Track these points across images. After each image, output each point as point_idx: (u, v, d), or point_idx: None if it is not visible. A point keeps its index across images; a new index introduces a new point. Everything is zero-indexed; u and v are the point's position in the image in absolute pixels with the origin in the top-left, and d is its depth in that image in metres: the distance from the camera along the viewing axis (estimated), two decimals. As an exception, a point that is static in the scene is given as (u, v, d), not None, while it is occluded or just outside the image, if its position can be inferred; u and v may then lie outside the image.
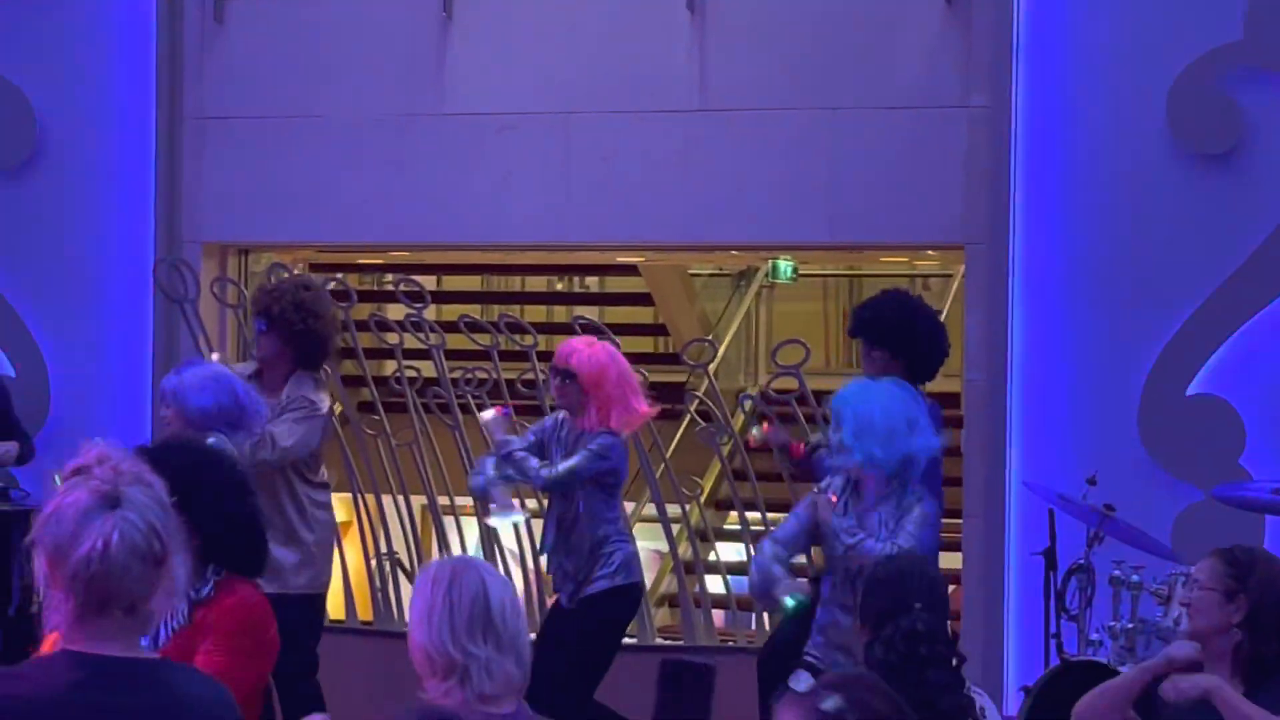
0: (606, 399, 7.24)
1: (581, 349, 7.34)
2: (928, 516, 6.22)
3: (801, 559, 6.70)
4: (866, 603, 4.98)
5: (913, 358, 7.06)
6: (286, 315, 7.44)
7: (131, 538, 3.26)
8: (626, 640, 8.80)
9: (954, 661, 4.85)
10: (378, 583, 9.00)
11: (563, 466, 7.25)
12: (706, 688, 7.61)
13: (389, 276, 11.58)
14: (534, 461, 7.29)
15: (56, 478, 3.33)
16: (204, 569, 4.78)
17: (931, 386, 12.67)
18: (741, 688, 6.76)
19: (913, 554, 5.33)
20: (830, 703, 3.26)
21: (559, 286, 14.65)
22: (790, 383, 8.51)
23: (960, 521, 8.35)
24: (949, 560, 10.55)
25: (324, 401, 7.49)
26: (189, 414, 6.74)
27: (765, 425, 7.53)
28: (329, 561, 7.60)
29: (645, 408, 7.42)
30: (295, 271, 9.22)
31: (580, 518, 7.32)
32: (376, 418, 9.14)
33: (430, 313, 9.16)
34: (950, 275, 12.02)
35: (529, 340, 8.85)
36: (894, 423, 6.24)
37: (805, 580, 6.51)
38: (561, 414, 7.42)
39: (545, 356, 9.56)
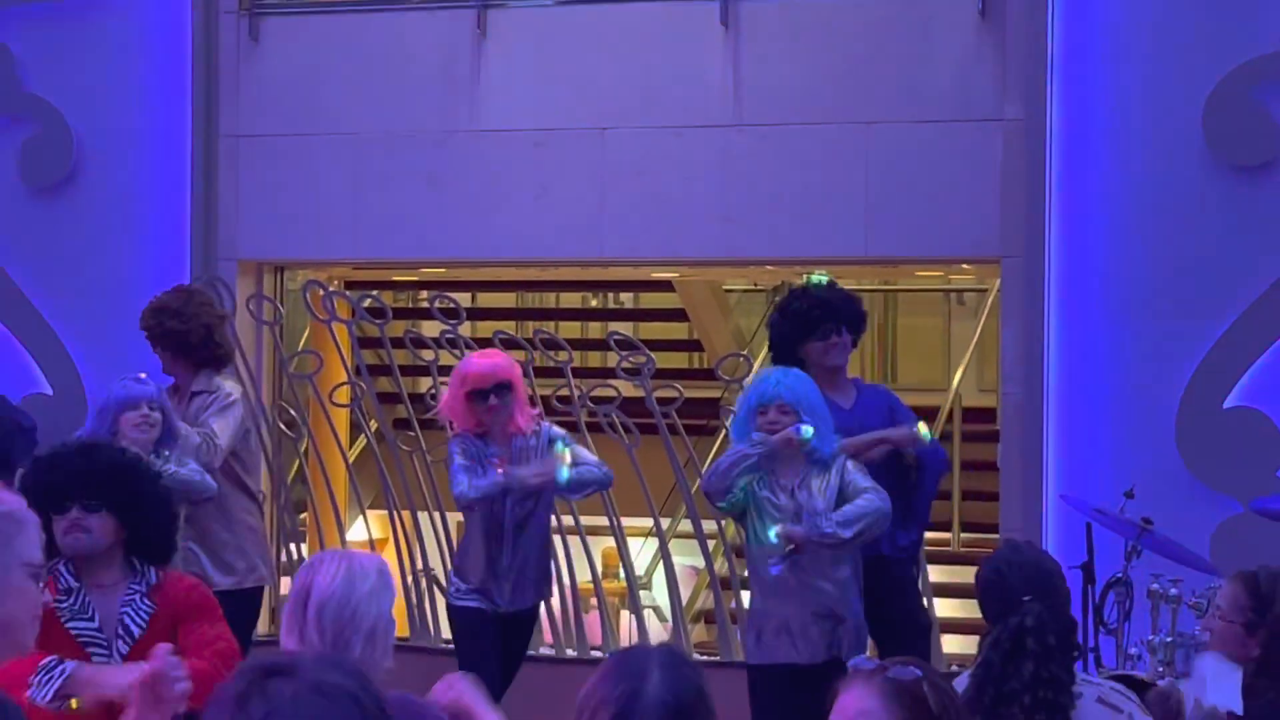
0: (521, 400, 7.35)
1: (500, 359, 7.39)
2: None
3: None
4: (983, 607, 4.94)
5: (857, 332, 7.35)
6: (147, 323, 7.63)
7: None
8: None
9: (1073, 654, 4.71)
10: (414, 599, 9.00)
11: (593, 458, 7.33)
12: None
13: (424, 293, 11.60)
14: (593, 466, 7.30)
15: None
16: (132, 562, 5.12)
17: (968, 400, 12.69)
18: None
19: (1012, 544, 5.27)
20: (906, 672, 3.20)
21: (594, 303, 14.67)
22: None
23: (997, 536, 8.32)
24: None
25: (234, 389, 7.63)
26: (171, 422, 6.99)
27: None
28: (263, 559, 7.76)
29: None
30: (330, 288, 9.24)
31: (543, 516, 7.37)
32: (412, 434, 9.16)
33: (465, 329, 9.16)
34: (986, 289, 11.99)
35: (564, 356, 8.86)
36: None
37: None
38: (462, 440, 7.32)
39: (580, 373, 9.58)
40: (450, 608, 7.48)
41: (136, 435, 6.96)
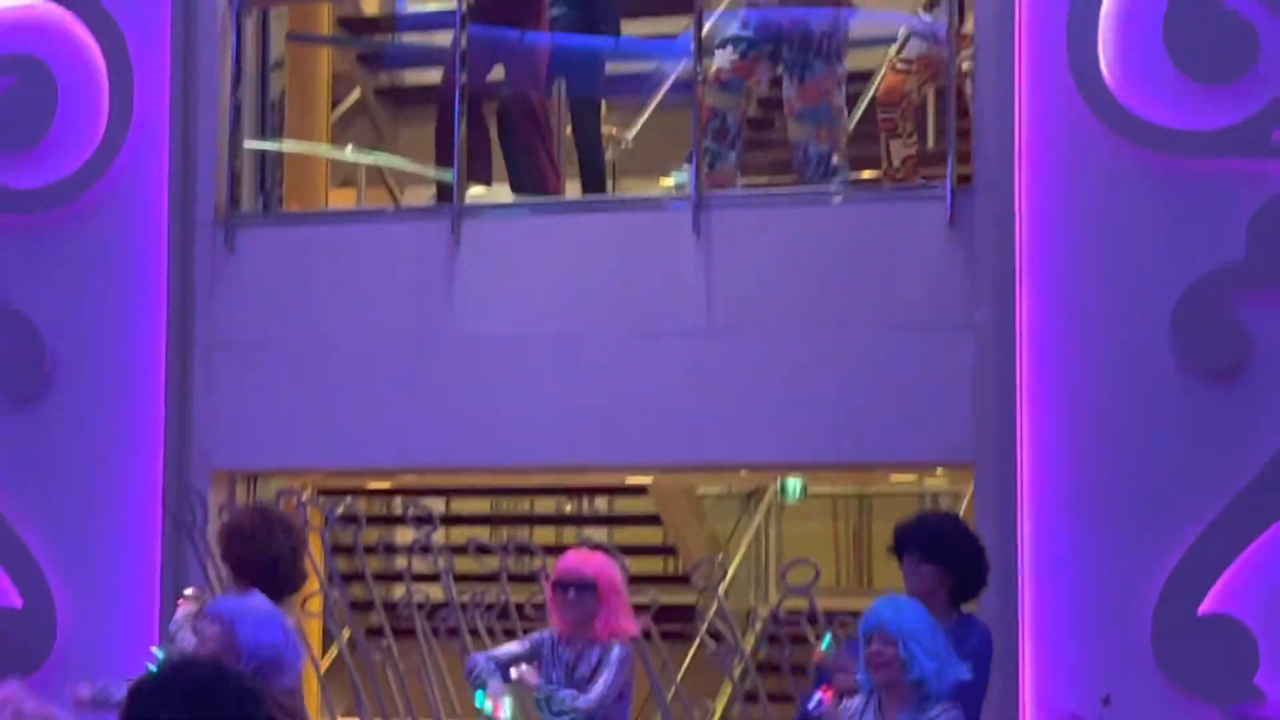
0: (613, 610, 7.26)
1: (591, 558, 7.37)
2: None
3: None
4: None
5: (962, 575, 6.99)
6: (232, 552, 7.42)
7: None
8: None
9: None
10: (386, 811, 8.90)
11: (599, 687, 7.21)
12: None
13: (398, 500, 11.58)
14: (564, 691, 7.22)
15: None
16: None
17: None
18: None
19: None
20: None
21: (568, 508, 14.63)
22: (801, 603, 8.47)
23: (975, 743, 8.26)
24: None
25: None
26: (240, 642, 6.75)
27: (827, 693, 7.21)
28: None
29: (635, 626, 7.43)
30: (304, 496, 9.21)
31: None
32: (385, 642, 9.09)
33: (439, 536, 9.13)
34: (959, 493, 11.98)
35: (537, 563, 8.83)
36: (943, 643, 6.36)
37: None
38: (547, 633, 7.35)
39: (554, 579, 9.53)
40: None
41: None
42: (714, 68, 9.28)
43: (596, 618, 7.24)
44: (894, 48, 10.00)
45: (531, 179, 9.77)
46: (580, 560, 7.35)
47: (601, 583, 7.25)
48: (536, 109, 9.83)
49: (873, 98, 11.56)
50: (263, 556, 7.34)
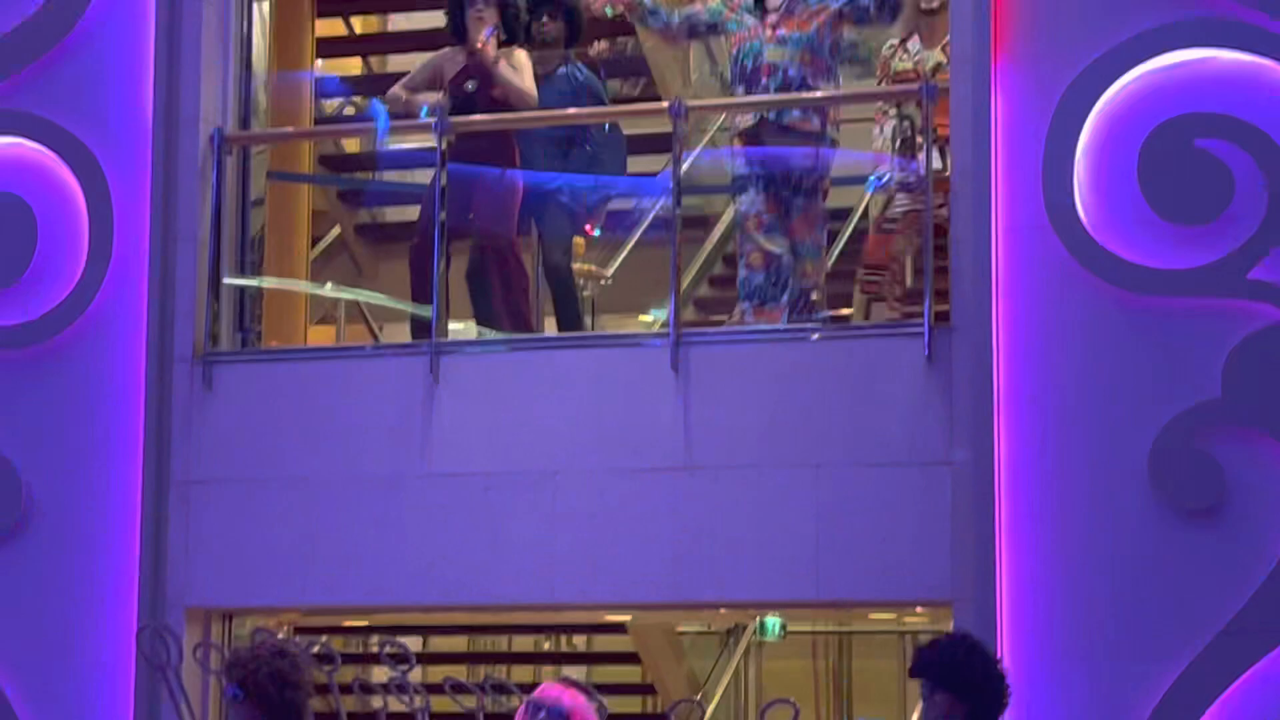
0: None
1: (574, 694, 7.31)
2: None
3: None
4: None
5: (976, 704, 6.84)
6: (264, 687, 7.34)
7: None
8: None
9: None
10: None
11: None
12: None
13: (374, 638, 11.51)
14: None
15: None
16: None
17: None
18: None
19: None
20: None
21: (546, 646, 14.56)
22: (780, 742, 8.41)
23: None
24: None
25: None
26: None
27: None
28: None
29: None
30: (279, 635, 9.15)
31: None
32: (360, 782, 9.02)
33: (415, 674, 9.07)
34: (939, 632, 11.93)
35: (515, 701, 8.75)
36: None
37: None
38: None
39: (531, 719, 9.45)
40: None
41: None
42: (751, 214, 9.38)
43: None
44: (879, 201, 10.09)
45: (499, 316, 9.79)
46: (562, 690, 7.29)
47: (569, 711, 7.19)
48: (505, 248, 9.86)
49: (849, 237, 11.65)
50: (299, 696, 7.30)
